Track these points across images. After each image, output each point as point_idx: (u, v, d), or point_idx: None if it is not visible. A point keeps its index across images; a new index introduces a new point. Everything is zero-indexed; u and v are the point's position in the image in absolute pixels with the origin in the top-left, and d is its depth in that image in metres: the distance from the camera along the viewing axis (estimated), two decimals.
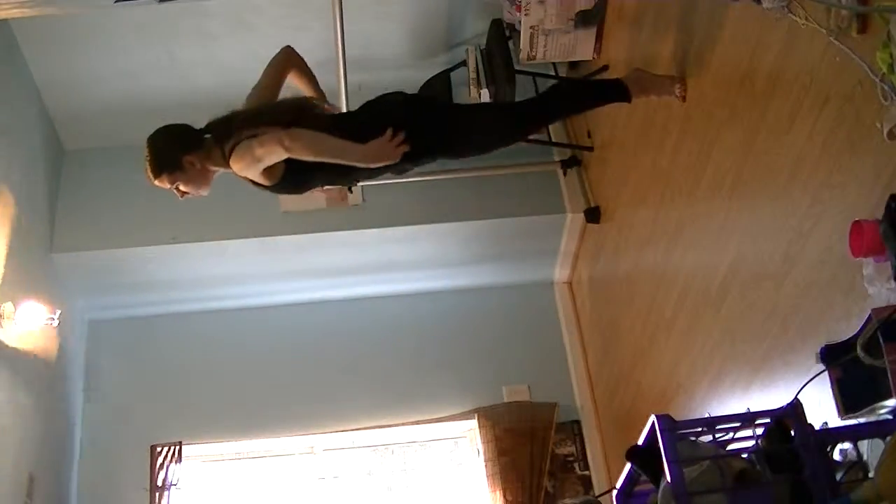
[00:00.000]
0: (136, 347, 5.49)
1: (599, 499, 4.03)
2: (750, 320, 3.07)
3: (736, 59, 3.02)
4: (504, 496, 4.93)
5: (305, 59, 3.22)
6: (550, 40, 4.52)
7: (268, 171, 2.92)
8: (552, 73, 4.98)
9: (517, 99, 4.54)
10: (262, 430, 5.29)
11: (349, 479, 5.38)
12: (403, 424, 5.31)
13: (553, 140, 5.11)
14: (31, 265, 4.72)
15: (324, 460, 5.38)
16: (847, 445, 2.24)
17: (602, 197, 4.86)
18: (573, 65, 4.94)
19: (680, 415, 3.68)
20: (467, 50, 4.89)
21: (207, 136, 3.00)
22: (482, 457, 5.08)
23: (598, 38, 4.49)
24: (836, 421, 2.21)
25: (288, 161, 2.88)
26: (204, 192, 3.06)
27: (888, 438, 2.04)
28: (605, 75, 4.45)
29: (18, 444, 4.39)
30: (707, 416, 2.51)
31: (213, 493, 5.29)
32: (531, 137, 4.93)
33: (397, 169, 3.11)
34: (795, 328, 2.75)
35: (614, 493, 2.66)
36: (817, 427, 2.28)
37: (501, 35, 4.69)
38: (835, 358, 2.15)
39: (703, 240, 3.44)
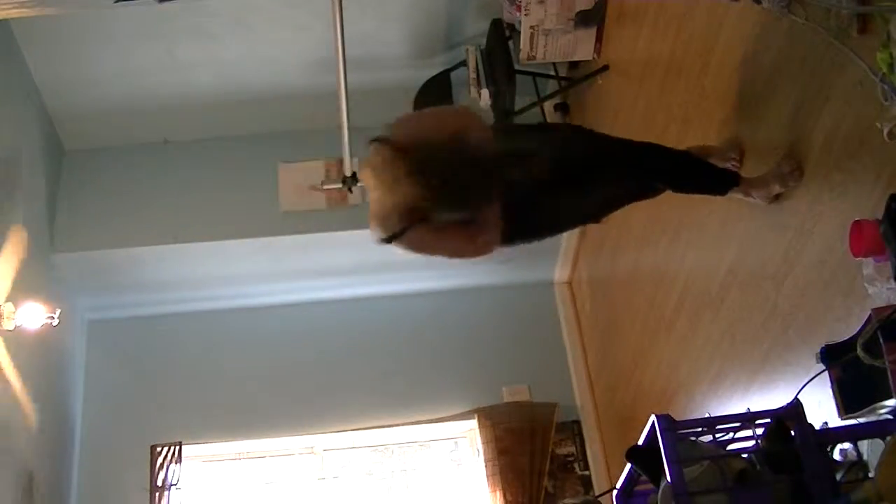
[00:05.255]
0: (136, 347, 5.49)
1: (599, 499, 4.03)
2: (750, 320, 3.07)
3: (736, 60, 3.02)
4: (504, 496, 4.93)
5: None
6: (550, 40, 4.51)
7: None
8: (552, 72, 4.97)
9: (515, 98, 4.55)
10: (262, 430, 5.29)
11: (349, 479, 5.38)
12: (403, 424, 5.31)
13: None
14: (31, 265, 4.71)
15: (324, 460, 5.38)
16: (847, 445, 2.23)
17: None
18: (573, 65, 4.93)
19: (680, 415, 3.68)
20: (467, 50, 4.88)
21: None
22: (482, 457, 5.08)
23: (598, 38, 4.49)
24: (836, 421, 2.20)
25: None
26: None
27: (888, 438, 2.04)
28: (606, 76, 4.45)
29: (18, 443, 4.39)
30: (707, 416, 2.51)
31: (213, 493, 5.29)
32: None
33: None
34: (795, 328, 2.75)
35: (614, 493, 2.66)
36: (817, 427, 2.28)
37: (501, 35, 4.68)
38: (835, 358, 2.15)
39: (703, 240, 3.44)
